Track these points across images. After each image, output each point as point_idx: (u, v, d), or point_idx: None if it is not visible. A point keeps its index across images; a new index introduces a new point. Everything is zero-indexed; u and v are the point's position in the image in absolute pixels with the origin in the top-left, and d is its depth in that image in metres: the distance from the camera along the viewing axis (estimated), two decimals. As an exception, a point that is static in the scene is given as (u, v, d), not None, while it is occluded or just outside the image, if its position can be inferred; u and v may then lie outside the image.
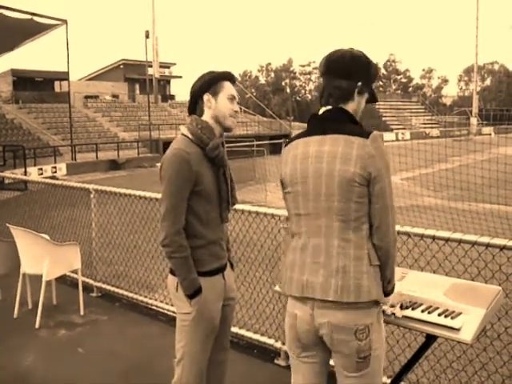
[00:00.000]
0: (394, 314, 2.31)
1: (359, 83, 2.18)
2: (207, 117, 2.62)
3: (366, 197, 2.05)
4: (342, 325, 2.07)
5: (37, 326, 4.76)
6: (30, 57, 79.58)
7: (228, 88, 2.62)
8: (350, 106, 2.19)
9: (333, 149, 2.07)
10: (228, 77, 2.65)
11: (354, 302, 2.04)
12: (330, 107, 2.19)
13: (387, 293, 2.16)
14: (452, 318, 2.24)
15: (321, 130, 2.15)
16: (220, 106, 2.60)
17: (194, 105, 2.65)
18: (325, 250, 2.10)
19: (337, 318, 2.08)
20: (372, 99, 2.30)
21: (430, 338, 2.42)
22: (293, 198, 2.21)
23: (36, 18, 24.50)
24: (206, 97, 2.60)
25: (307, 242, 2.16)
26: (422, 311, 2.32)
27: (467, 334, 2.18)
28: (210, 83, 2.59)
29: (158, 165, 2.64)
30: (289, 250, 2.27)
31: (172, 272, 2.63)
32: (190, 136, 2.59)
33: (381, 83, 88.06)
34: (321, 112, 2.21)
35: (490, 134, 48.98)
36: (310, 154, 2.13)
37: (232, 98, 2.63)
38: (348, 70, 2.17)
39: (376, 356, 2.13)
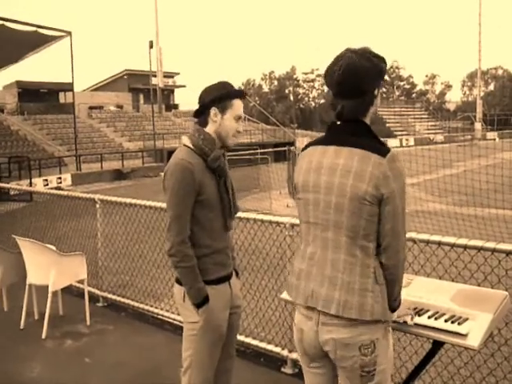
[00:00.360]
0: (405, 321, 2.29)
1: (376, 91, 2.12)
2: (210, 129, 2.64)
3: (376, 216, 2.01)
4: (346, 342, 2.06)
5: (43, 336, 4.77)
6: (34, 68, 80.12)
7: (237, 107, 2.64)
8: (371, 112, 2.13)
9: (348, 163, 2.02)
10: (239, 95, 2.66)
11: (356, 319, 2.02)
12: (347, 120, 2.11)
13: (393, 309, 2.14)
14: (459, 323, 2.23)
15: (338, 140, 2.09)
16: (225, 123, 2.63)
17: (201, 112, 2.66)
18: (331, 263, 2.08)
19: (341, 335, 2.06)
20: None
21: (437, 345, 2.41)
22: (303, 206, 2.18)
23: (40, 30, 24.67)
24: (213, 111, 2.61)
25: (315, 252, 2.14)
26: (429, 317, 2.30)
27: (474, 340, 2.17)
28: (220, 98, 2.60)
29: (162, 174, 2.65)
30: (297, 257, 2.26)
31: (178, 282, 2.64)
32: (191, 146, 2.61)
33: (384, 89, 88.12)
34: (341, 122, 2.13)
35: (495, 139, 48.86)
36: (325, 165, 2.08)
37: (238, 119, 2.65)
38: (364, 88, 2.08)
39: (381, 370, 2.10)
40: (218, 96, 2.59)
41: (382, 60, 2.13)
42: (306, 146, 2.25)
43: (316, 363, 2.23)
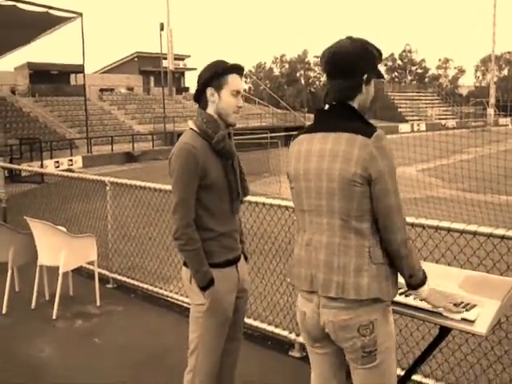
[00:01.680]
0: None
1: (365, 76, 2.14)
2: (211, 110, 2.62)
3: (367, 196, 2.04)
4: (345, 323, 2.10)
5: (54, 316, 4.83)
6: (45, 50, 79.97)
7: (232, 82, 2.58)
8: (359, 99, 2.15)
9: (335, 147, 2.06)
10: (233, 69, 2.59)
11: (355, 299, 2.06)
12: (335, 103, 2.15)
13: (413, 286, 2.16)
14: (467, 310, 2.23)
15: (325, 126, 2.13)
16: (223, 101, 2.58)
17: (200, 96, 2.64)
18: (326, 248, 2.12)
19: (340, 317, 2.10)
20: (378, 77, 2.23)
21: (444, 330, 2.41)
22: (296, 194, 2.22)
23: (52, 11, 24.60)
24: (210, 91, 2.58)
25: (311, 238, 2.18)
26: (458, 308, 2.28)
27: (482, 327, 2.16)
28: (213, 76, 2.56)
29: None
30: (296, 245, 2.30)
31: (186, 264, 2.66)
32: (196, 130, 2.60)
33: (396, 74, 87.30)
34: (327, 107, 2.18)
35: (507, 125, 48.36)
36: (313, 152, 2.12)
37: (236, 93, 2.59)
38: (351, 68, 2.11)
39: (383, 350, 2.13)
40: (211, 75, 2.56)
41: (375, 48, 2.17)
42: (296, 136, 2.27)
43: (319, 343, 2.28)
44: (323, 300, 2.13)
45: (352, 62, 2.11)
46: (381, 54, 2.19)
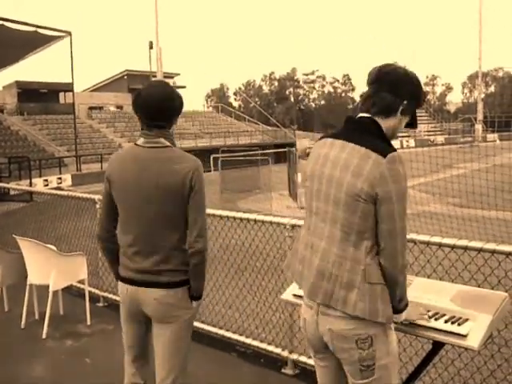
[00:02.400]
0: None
1: (405, 102, 2.16)
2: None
3: (370, 214, 2.04)
4: (343, 333, 2.10)
5: (44, 336, 4.77)
6: (34, 69, 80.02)
7: None
8: (389, 122, 2.16)
9: (349, 158, 2.07)
10: None
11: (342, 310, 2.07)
12: (366, 115, 2.17)
13: (398, 310, 2.16)
14: (459, 324, 2.24)
15: (347, 135, 2.15)
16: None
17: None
18: (322, 253, 2.14)
19: (338, 327, 2.10)
20: (412, 124, 2.27)
21: (438, 345, 2.42)
22: (309, 194, 2.25)
23: (40, 30, 24.69)
24: None
25: (313, 241, 2.20)
26: (429, 318, 2.31)
27: (474, 341, 2.17)
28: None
29: (181, 172, 2.50)
30: (299, 244, 2.31)
31: (181, 284, 2.61)
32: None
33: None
34: (357, 117, 2.20)
35: (495, 141, 48.86)
36: (330, 158, 2.14)
37: None
38: (397, 85, 2.15)
39: (382, 365, 2.12)
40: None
41: (422, 89, 2.26)
42: (322, 137, 2.30)
43: (320, 354, 2.29)
44: (322, 308, 2.13)
45: (401, 80, 2.16)
46: (424, 98, 2.26)
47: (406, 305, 2.19)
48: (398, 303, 2.14)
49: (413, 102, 2.18)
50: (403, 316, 2.20)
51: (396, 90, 2.14)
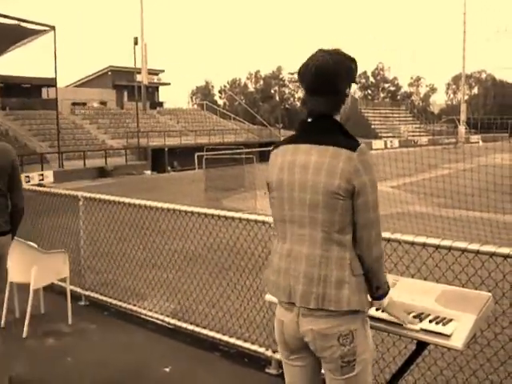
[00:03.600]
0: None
1: (347, 90, 2.17)
2: None
3: (349, 209, 2.06)
4: (325, 332, 2.10)
5: (24, 335, 4.70)
6: (17, 63, 79.07)
7: None
8: (342, 111, 2.18)
9: (319, 160, 2.07)
10: None
11: (335, 310, 2.07)
12: (320, 114, 2.16)
13: (377, 297, 2.19)
14: (443, 324, 2.24)
15: (309, 138, 2.14)
16: None
17: None
18: (307, 259, 2.12)
19: (320, 326, 2.11)
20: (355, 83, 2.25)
21: (421, 345, 2.42)
22: (279, 204, 2.21)
23: (23, 24, 24.40)
24: None
25: (291, 249, 2.18)
26: (414, 318, 2.31)
27: (458, 341, 2.18)
28: None
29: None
30: (274, 255, 2.28)
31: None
32: None
33: (369, 91, 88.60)
34: (311, 119, 2.19)
35: (478, 143, 49.42)
36: (297, 163, 2.13)
37: None
38: (336, 85, 2.13)
39: (362, 360, 2.14)
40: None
41: (352, 60, 2.20)
42: (278, 145, 2.27)
43: (296, 355, 2.27)
44: (303, 309, 2.13)
45: (335, 80, 2.12)
46: (355, 63, 2.20)
47: (386, 292, 2.21)
48: (376, 291, 2.18)
49: (352, 80, 2.18)
50: (384, 303, 2.22)
51: (336, 88, 2.13)
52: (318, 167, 2.07)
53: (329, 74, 2.12)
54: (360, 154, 2.04)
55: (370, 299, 2.19)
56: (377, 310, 2.33)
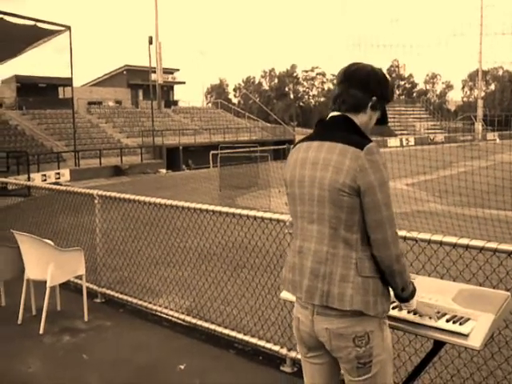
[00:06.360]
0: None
1: (374, 97, 2.18)
2: None
3: (356, 207, 2.05)
4: (340, 332, 2.10)
5: (41, 331, 4.74)
6: (33, 63, 79.75)
7: None
8: (361, 118, 2.19)
9: (328, 156, 2.09)
10: None
11: (340, 309, 2.06)
12: (337, 113, 2.19)
13: (404, 299, 2.19)
14: (460, 323, 2.21)
15: (323, 135, 2.17)
16: None
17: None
18: (314, 255, 2.14)
19: (335, 325, 2.10)
20: (382, 120, 2.29)
21: (438, 345, 2.40)
22: (292, 200, 2.25)
23: (39, 24, 24.60)
24: None
25: (302, 245, 2.20)
26: (430, 317, 2.29)
27: (476, 340, 2.15)
28: None
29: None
30: (289, 252, 2.32)
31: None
32: None
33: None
34: (328, 118, 2.22)
35: (495, 140, 48.88)
36: (308, 160, 2.16)
37: None
38: (365, 82, 2.17)
39: (379, 362, 2.13)
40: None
41: (387, 79, 2.28)
42: (297, 143, 2.31)
43: (313, 353, 2.28)
44: (318, 308, 2.13)
45: (368, 76, 2.18)
46: (393, 92, 2.28)
47: (413, 292, 2.20)
48: (401, 292, 2.16)
49: (382, 97, 2.22)
50: (413, 305, 2.22)
51: (364, 86, 2.17)
52: (325, 163, 2.09)
53: (361, 72, 2.19)
54: (367, 153, 2.03)
55: (393, 302, 2.19)
56: (393, 308, 2.31)
